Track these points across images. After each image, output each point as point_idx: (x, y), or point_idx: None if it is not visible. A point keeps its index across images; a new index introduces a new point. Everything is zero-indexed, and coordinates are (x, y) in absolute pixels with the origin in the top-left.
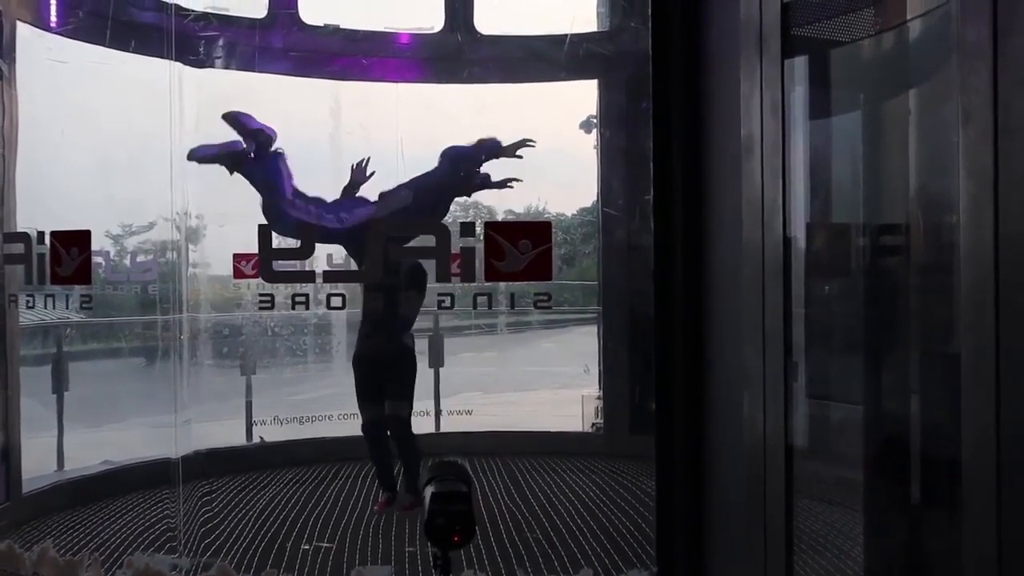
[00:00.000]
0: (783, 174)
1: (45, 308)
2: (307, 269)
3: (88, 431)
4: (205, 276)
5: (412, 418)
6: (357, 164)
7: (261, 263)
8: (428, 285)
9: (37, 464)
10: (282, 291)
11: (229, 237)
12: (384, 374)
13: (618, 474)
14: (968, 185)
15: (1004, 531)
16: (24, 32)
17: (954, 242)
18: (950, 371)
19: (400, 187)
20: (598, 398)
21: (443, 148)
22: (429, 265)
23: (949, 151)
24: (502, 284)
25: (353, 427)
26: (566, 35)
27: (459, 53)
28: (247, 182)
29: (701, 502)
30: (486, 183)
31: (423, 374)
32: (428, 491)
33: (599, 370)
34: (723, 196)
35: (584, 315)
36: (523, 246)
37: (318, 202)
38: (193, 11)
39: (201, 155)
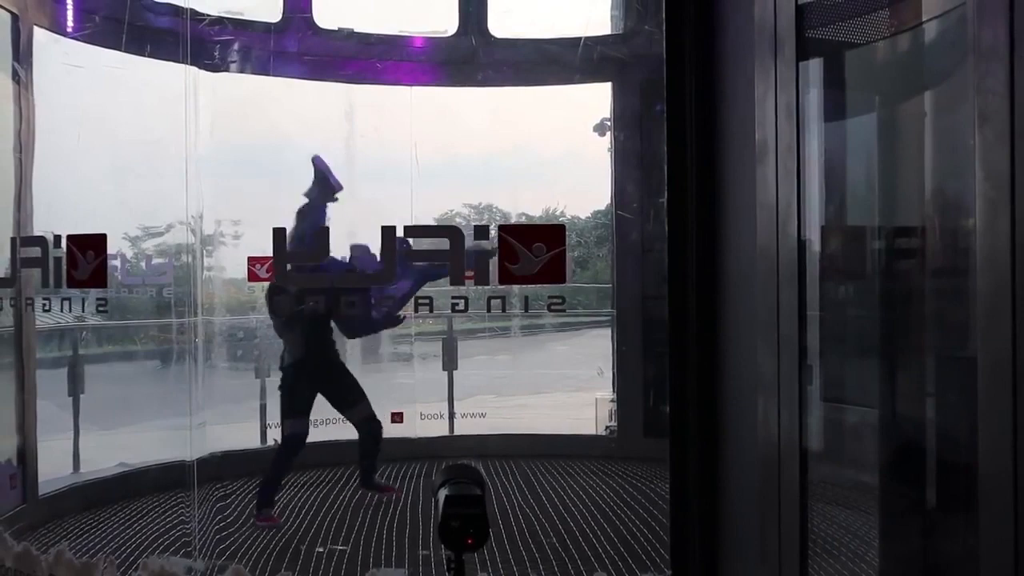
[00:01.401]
0: (798, 177)
1: (61, 311)
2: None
3: (104, 434)
4: (220, 279)
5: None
6: None
7: (275, 266)
8: (441, 287)
9: (53, 467)
10: None
11: (243, 240)
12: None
13: (632, 477)
14: (984, 188)
15: (1021, 535)
16: (41, 37)
17: (970, 245)
18: (966, 374)
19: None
20: (612, 401)
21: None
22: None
23: (965, 153)
24: (516, 287)
25: None
26: (580, 38)
27: (473, 56)
28: (260, 187)
29: (715, 505)
30: None
31: (439, 376)
32: (442, 494)
33: (613, 373)
34: (737, 199)
35: (598, 318)
36: (537, 249)
37: None
38: (208, 15)
39: None
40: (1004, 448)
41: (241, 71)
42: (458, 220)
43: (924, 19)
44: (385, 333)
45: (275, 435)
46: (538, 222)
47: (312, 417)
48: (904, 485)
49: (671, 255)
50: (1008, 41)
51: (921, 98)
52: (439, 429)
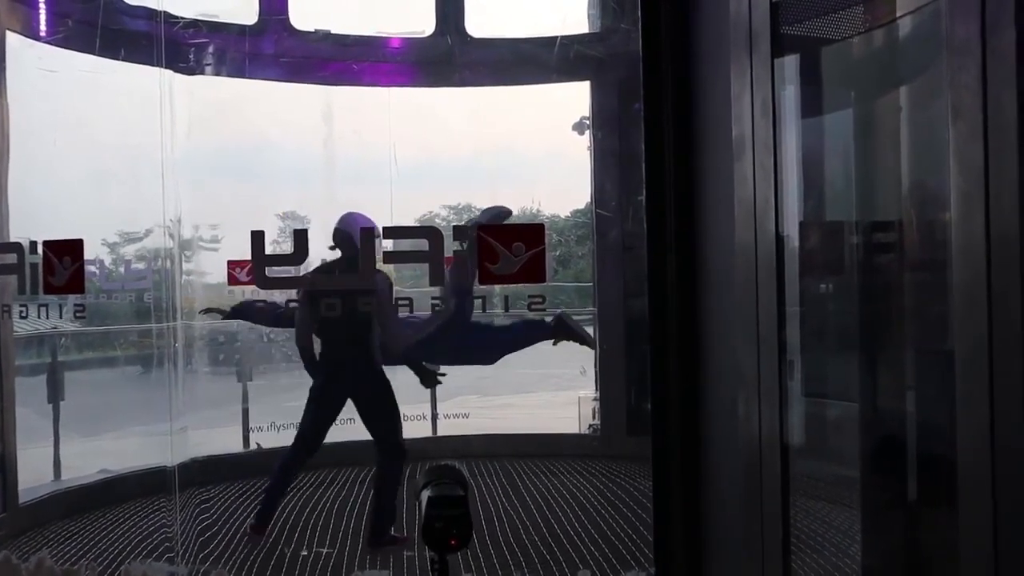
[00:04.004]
0: (775, 173)
1: (39, 318)
2: (301, 275)
3: (84, 440)
4: (200, 283)
5: None
6: None
7: (255, 269)
8: (422, 288)
9: (34, 474)
10: (276, 297)
11: (223, 243)
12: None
13: (615, 475)
14: (959, 182)
15: (1000, 528)
16: (13, 42)
17: (947, 239)
18: (944, 368)
19: None
20: (595, 400)
21: None
22: (423, 269)
23: (940, 148)
24: (496, 287)
25: (351, 432)
26: (556, 37)
27: (450, 56)
28: (239, 190)
29: (698, 502)
30: None
31: None
32: (425, 496)
33: (595, 372)
34: (715, 195)
35: (579, 317)
36: (516, 249)
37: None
38: (183, 18)
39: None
40: (982, 440)
41: (217, 74)
42: (438, 221)
43: (899, 15)
44: None
45: (257, 439)
46: (517, 222)
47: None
48: (886, 479)
49: (650, 253)
50: (980, 36)
51: (896, 93)
52: (422, 430)
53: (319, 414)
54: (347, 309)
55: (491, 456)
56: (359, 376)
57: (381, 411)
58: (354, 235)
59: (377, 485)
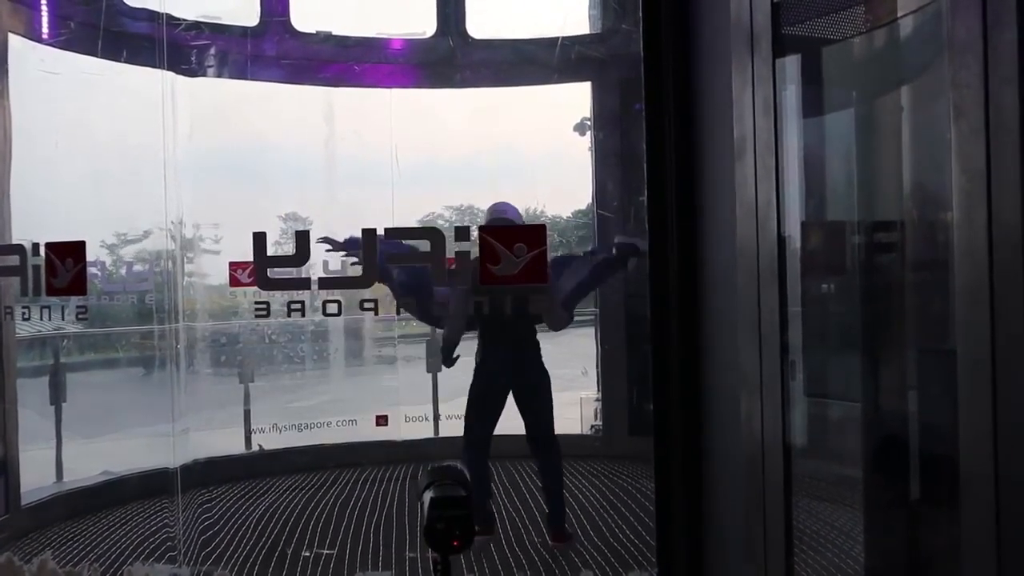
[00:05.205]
0: (776, 173)
1: (41, 320)
2: (302, 276)
3: (87, 442)
4: (201, 285)
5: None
6: None
7: (257, 271)
8: None
9: (36, 476)
10: (278, 299)
11: (224, 245)
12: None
13: (617, 476)
14: (961, 181)
15: (1002, 527)
16: (16, 44)
17: (949, 239)
18: (947, 367)
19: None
20: (597, 400)
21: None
22: (424, 270)
23: (942, 147)
24: (498, 288)
25: (351, 433)
26: (558, 38)
27: (452, 58)
28: (240, 191)
29: (700, 503)
30: None
31: (423, 378)
32: (427, 496)
33: (597, 372)
34: (717, 196)
35: (581, 317)
36: (518, 250)
37: None
38: (184, 20)
39: None
40: (984, 440)
41: (219, 75)
42: (439, 222)
43: (900, 14)
44: (368, 336)
45: (259, 440)
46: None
47: (301, 421)
48: (888, 479)
49: (652, 253)
50: (982, 35)
51: (898, 93)
52: (424, 431)
53: (487, 414)
54: (515, 302)
55: (493, 456)
56: (524, 371)
57: (543, 404)
58: (516, 223)
59: (544, 483)
